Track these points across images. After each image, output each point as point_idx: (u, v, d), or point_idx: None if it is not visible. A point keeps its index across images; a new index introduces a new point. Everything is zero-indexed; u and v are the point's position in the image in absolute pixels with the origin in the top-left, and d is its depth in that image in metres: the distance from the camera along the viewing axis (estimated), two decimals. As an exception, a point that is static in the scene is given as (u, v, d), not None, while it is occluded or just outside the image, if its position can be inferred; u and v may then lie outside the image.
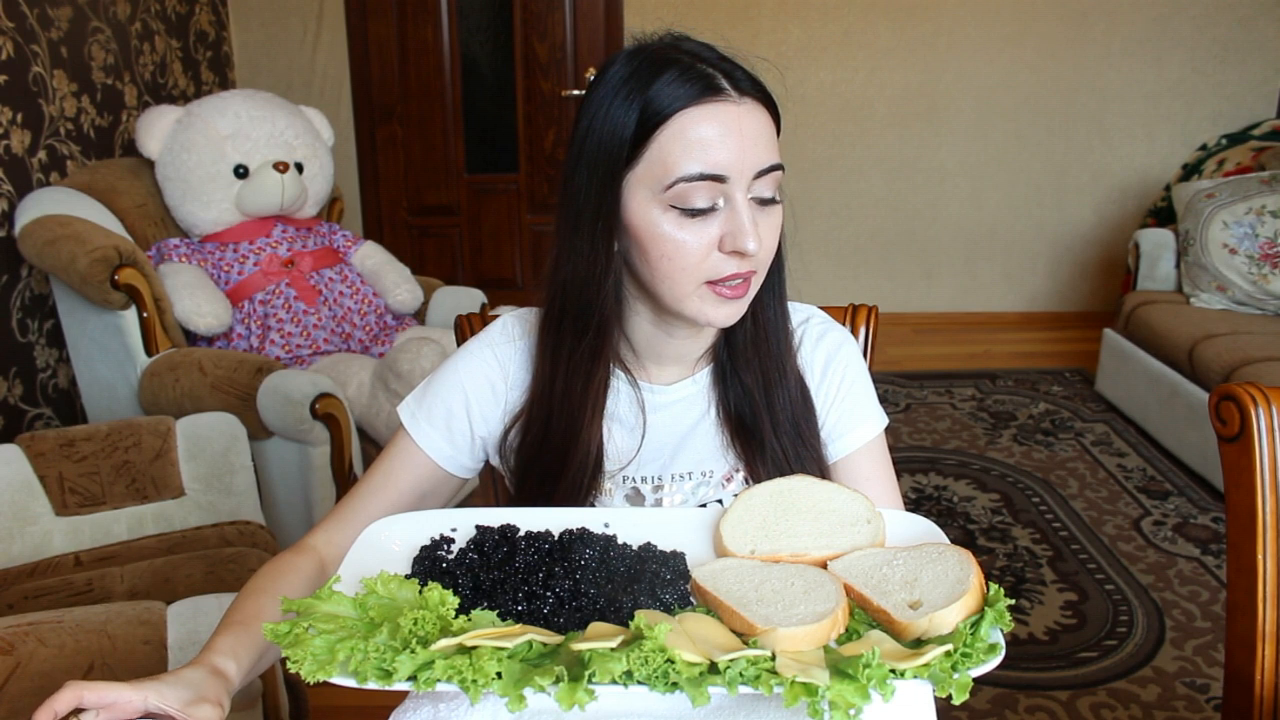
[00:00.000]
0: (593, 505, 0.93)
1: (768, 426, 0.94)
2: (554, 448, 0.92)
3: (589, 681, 0.60)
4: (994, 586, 0.68)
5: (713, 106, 0.80)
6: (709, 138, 0.80)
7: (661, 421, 0.96)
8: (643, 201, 0.83)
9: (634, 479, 0.95)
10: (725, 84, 0.81)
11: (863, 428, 0.99)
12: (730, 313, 0.86)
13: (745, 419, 0.95)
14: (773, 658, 0.62)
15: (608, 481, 0.94)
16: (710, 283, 0.84)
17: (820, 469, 0.96)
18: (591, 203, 0.85)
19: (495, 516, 0.82)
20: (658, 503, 0.95)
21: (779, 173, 0.84)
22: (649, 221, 0.83)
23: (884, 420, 1.01)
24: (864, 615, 0.70)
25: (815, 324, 1.01)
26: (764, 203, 0.84)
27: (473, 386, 0.97)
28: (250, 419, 1.98)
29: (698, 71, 0.81)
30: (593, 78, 0.87)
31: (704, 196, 0.81)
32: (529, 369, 0.96)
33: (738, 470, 0.96)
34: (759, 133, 0.82)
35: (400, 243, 4.05)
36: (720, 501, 0.95)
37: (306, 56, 3.82)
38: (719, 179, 0.80)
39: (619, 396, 0.95)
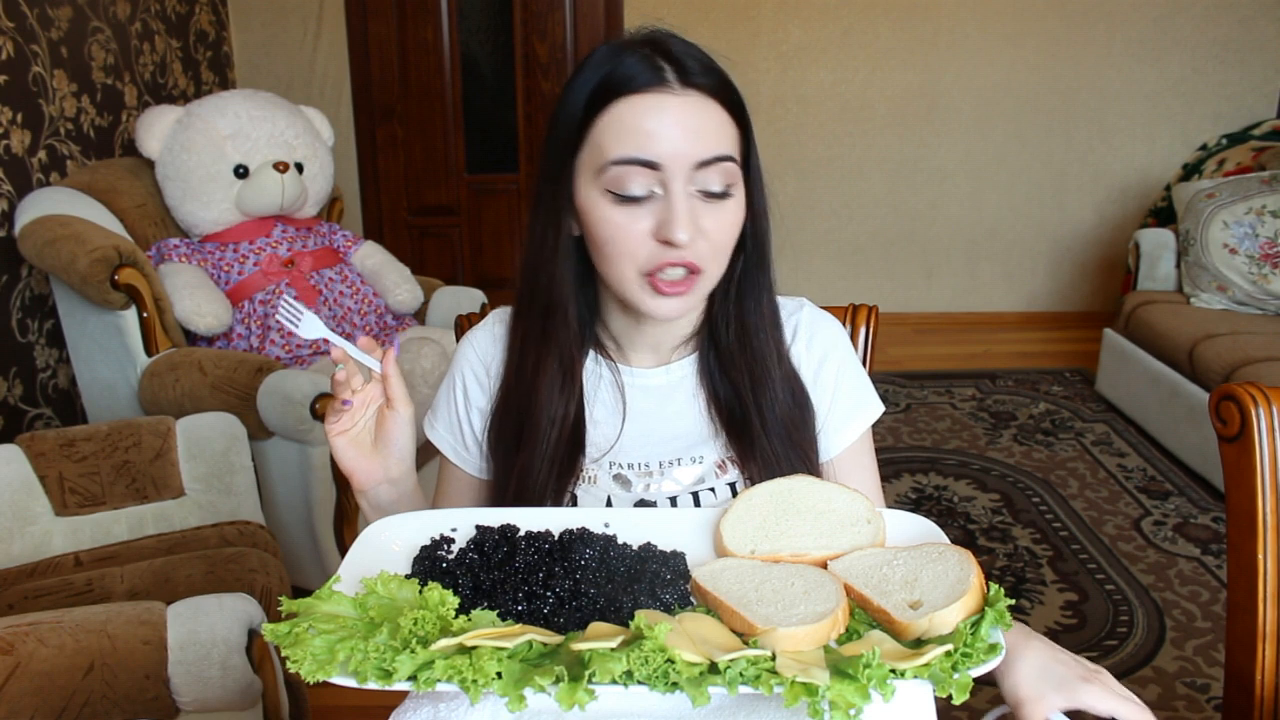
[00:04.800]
0: (574, 492, 0.93)
1: (757, 426, 0.93)
2: (512, 425, 0.94)
3: (589, 681, 0.60)
4: (994, 586, 0.68)
5: (651, 95, 0.81)
6: (642, 125, 0.81)
7: (644, 407, 0.96)
8: (585, 185, 0.85)
9: (619, 465, 0.94)
10: (669, 75, 0.82)
11: (861, 415, 1.00)
12: (669, 308, 0.86)
13: (735, 416, 0.95)
14: (773, 658, 0.62)
15: (591, 467, 0.94)
16: (648, 275, 0.84)
17: (812, 469, 0.95)
18: (547, 188, 0.88)
19: (495, 516, 0.82)
20: (647, 489, 0.94)
21: (728, 164, 0.83)
22: (590, 205, 0.84)
23: (880, 406, 1.02)
24: (864, 615, 0.70)
25: (807, 317, 1.01)
26: (712, 196, 0.83)
27: (468, 385, 0.99)
28: (250, 419, 1.98)
29: (647, 61, 0.82)
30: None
31: (638, 183, 0.82)
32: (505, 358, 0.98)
33: (731, 459, 0.95)
34: (700, 124, 0.82)
35: (400, 243, 4.05)
36: (713, 490, 0.94)
37: (306, 56, 3.82)
38: (651, 165, 0.81)
39: (600, 382, 0.96)
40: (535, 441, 0.92)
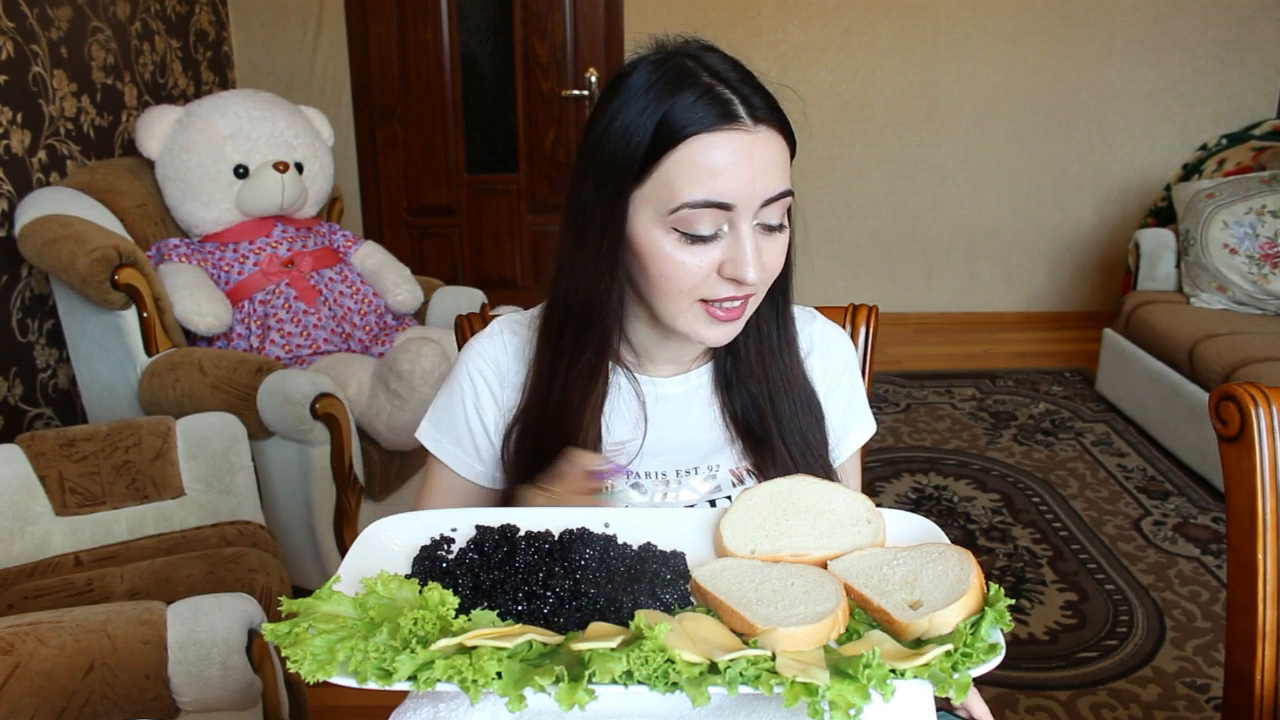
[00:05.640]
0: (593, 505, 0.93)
1: (776, 435, 0.94)
2: (547, 457, 0.91)
3: (589, 681, 0.60)
4: (994, 586, 0.68)
5: (726, 134, 0.79)
6: (718, 166, 0.79)
7: (663, 416, 0.96)
8: (647, 220, 0.82)
9: (637, 474, 0.94)
10: (741, 111, 0.80)
11: (859, 433, 1.03)
12: (724, 334, 0.87)
13: (754, 426, 0.95)
14: (773, 658, 0.62)
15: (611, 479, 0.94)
16: (704, 301, 0.84)
17: (827, 475, 0.96)
18: (598, 217, 0.84)
19: (495, 516, 0.82)
20: (664, 497, 0.94)
21: (788, 199, 0.84)
22: (651, 241, 0.82)
23: (874, 426, 1.05)
24: (864, 615, 0.70)
25: (820, 330, 1.02)
26: (770, 229, 0.84)
27: (480, 396, 0.97)
28: (250, 419, 1.98)
29: (715, 95, 0.80)
30: (611, 81, 0.85)
31: (708, 223, 0.81)
32: (520, 366, 0.97)
33: (747, 468, 0.96)
34: (770, 161, 0.81)
35: (400, 243, 4.05)
36: (729, 499, 0.95)
37: (306, 56, 3.82)
38: (724, 207, 0.80)
39: (619, 393, 0.95)
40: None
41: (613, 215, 0.83)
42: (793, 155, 0.86)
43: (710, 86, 0.80)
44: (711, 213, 0.80)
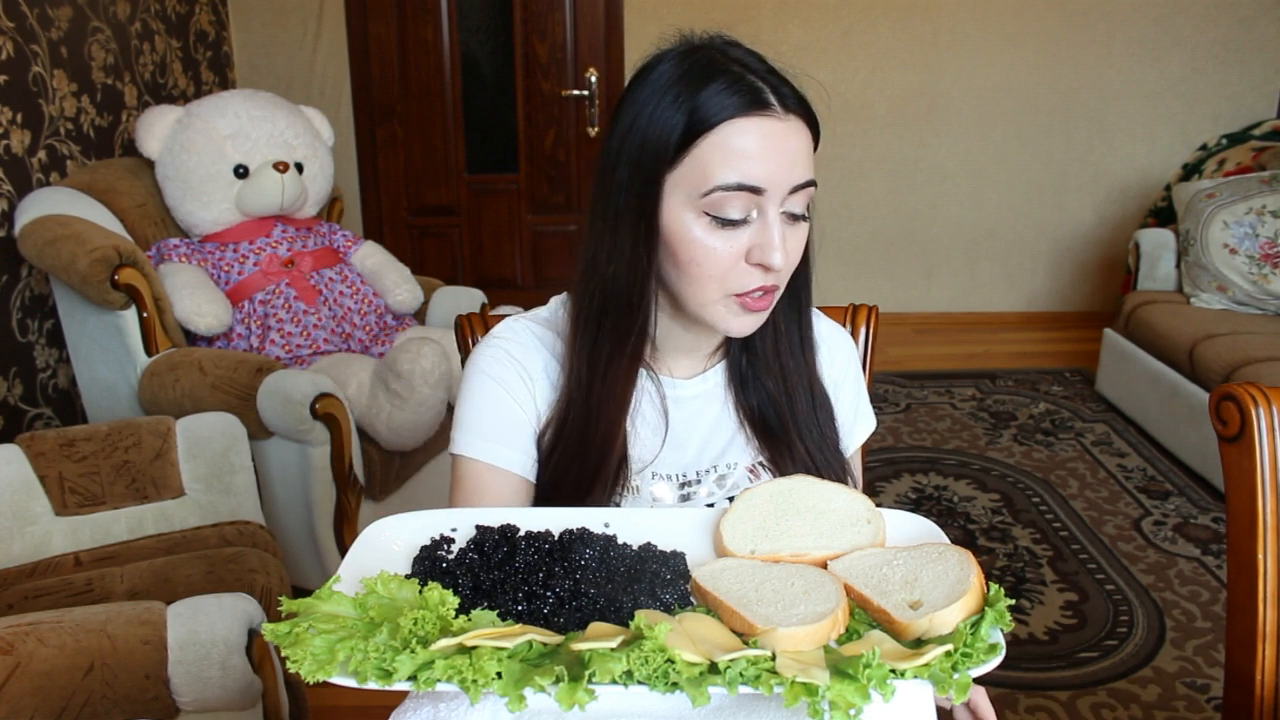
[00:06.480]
0: (617, 502, 0.92)
1: (793, 430, 0.95)
2: (594, 451, 0.90)
3: (589, 681, 0.60)
4: (994, 586, 0.68)
5: (758, 120, 0.81)
6: (751, 150, 0.81)
7: (684, 417, 0.96)
8: (678, 204, 0.84)
9: (660, 475, 0.95)
10: (772, 99, 0.82)
11: (862, 428, 1.05)
12: (749, 323, 0.88)
13: (770, 422, 0.96)
14: (773, 658, 0.62)
15: (635, 479, 0.93)
16: (736, 294, 0.85)
17: (842, 468, 0.98)
18: (634, 201, 0.85)
19: (495, 516, 0.81)
20: (686, 498, 0.94)
21: (812, 189, 0.85)
22: (682, 225, 0.84)
23: (875, 421, 1.07)
24: (864, 615, 0.70)
25: (825, 329, 1.04)
26: (794, 218, 0.85)
27: (508, 383, 0.94)
28: (250, 419, 1.98)
29: (747, 83, 0.82)
30: (636, 73, 0.87)
31: (738, 207, 0.82)
32: (543, 365, 0.95)
33: (762, 463, 0.96)
34: (799, 150, 0.83)
35: (400, 243, 4.05)
36: None
37: (306, 56, 3.82)
38: (755, 191, 0.81)
39: (641, 394, 0.95)
40: (604, 459, 0.90)
41: (646, 200, 0.84)
42: (815, 147, 0.87)
43: (741, 75, 0.83)
44: (743, 196, 0.81)
